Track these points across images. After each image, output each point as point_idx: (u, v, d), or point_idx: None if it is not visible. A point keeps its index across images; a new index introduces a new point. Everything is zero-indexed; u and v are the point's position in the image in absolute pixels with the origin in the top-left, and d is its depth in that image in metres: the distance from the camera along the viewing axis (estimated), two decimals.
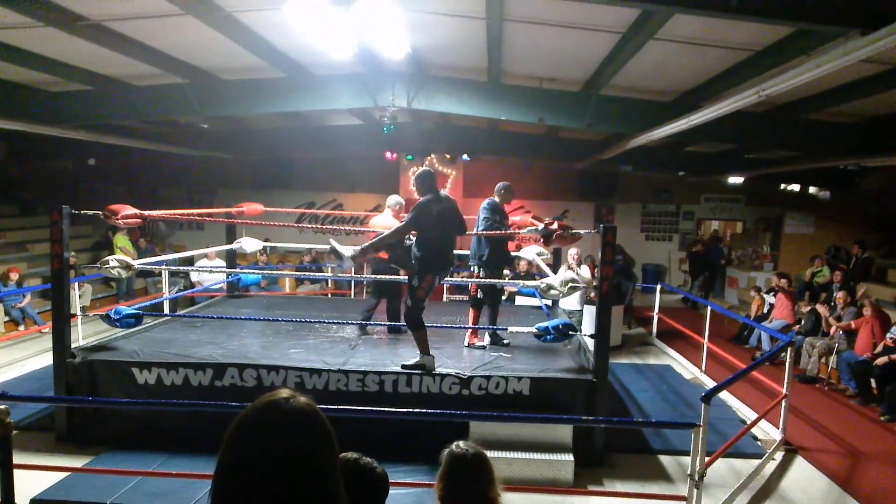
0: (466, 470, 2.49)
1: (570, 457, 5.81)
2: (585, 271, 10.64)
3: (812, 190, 16.30)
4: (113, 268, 6.84)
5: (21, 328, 10.91)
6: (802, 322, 10.41)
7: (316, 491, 1.33)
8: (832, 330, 9.33)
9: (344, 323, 7.88)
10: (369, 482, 2.14)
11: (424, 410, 5.61)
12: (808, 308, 10.55)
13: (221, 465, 1.32)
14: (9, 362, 9.27)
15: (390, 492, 2.22)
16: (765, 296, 11.96)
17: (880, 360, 8.11)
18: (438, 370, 6.25)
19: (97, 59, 8.22)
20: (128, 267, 7.04)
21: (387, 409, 5.63)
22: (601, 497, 5.56)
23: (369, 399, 6.10)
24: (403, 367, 6.28)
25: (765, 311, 11.74)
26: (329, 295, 13.76)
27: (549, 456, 5.80)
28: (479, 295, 7.44)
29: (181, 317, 8.71)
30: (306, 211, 17.31)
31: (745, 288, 14.53)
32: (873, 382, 8.26)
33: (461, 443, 2.58)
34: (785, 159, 12.61)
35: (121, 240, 13.57)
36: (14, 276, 11.06)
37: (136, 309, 7.01)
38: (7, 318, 10.83)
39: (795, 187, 16.28)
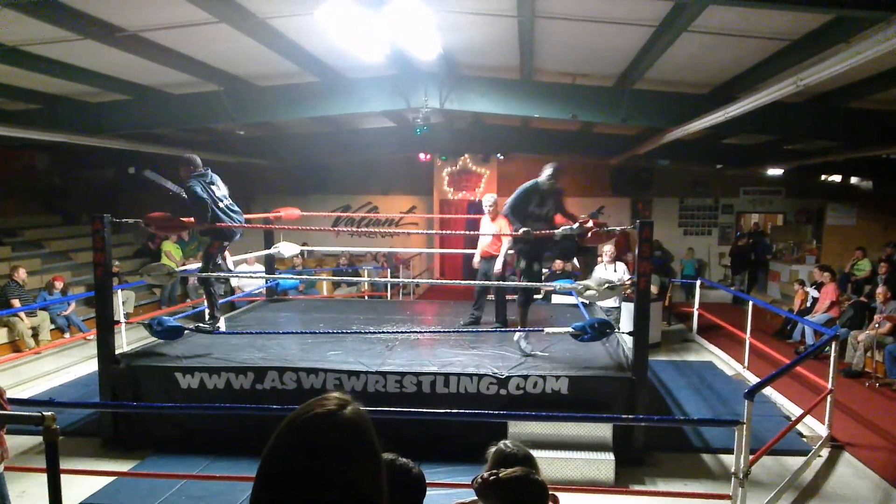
0: None
1: (610, 456, 5.76)
2: (621, 269, 10.53)
3: (854, 180, 15.92)
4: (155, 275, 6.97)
5: (66, 335, 11.15)
6: (846, 315, 10.18)
7: (357, 500, 1.29)
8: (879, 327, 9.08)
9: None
10: (406, 483, 2.14)
11: (463, 411, 5.60)
12: (851, 301, 10.30)
13: (265, 469, 1.31)
14: (55, 369, 9.48)
15: (429, 492, 2.22)
16: (808, 289, 11.72)
17: None
18: (476, 370, 6.25)
19: (135, 69, 8.37)
20: (170, 274, 7.17)
21: (425, 409, 5.62)
22: (644, 496, 5.52)
23: (407, 400, 6.10)
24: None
25: (808, 304, 11.51)
26: (366, 297, 13.84)
27: (590, 455, 5.76)
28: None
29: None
30: (342, 214, 17.47)
31: (788, 281, 14.25)
32: None
33: (509, 442, 2.55)
34: (825, 149, 12.33)
35: (167, 244, 13.81)
36: (59, 285, 11.30)
37: (176, 321, 7.07)
38: (53, 326, 11.07)
39: (837, 178, 15.93)
